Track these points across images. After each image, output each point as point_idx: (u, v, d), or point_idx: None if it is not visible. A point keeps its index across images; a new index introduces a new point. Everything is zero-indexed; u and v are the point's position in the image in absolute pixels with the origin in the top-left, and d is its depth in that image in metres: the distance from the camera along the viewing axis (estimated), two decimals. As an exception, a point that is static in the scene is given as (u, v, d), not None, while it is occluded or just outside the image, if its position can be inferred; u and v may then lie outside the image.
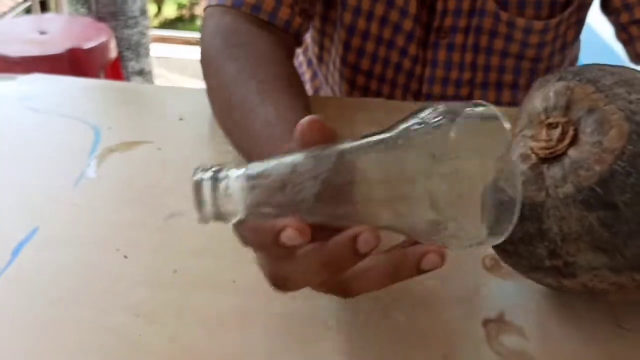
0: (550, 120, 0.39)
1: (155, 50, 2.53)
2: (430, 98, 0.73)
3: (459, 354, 0.39)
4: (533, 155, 0.38)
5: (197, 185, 0.32)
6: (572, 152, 0.37)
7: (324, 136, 0.34)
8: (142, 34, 2.26)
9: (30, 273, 0.44)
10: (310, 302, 0.42)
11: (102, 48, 1.84)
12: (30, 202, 0.51)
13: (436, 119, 0.31)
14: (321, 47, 0.78)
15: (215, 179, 0.32)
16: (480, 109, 0.31)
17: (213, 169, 0.33)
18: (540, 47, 0.71)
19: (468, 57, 0.71)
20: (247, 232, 0.34)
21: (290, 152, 0.33)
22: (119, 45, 2.03)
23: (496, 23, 0.69)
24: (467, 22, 0.69)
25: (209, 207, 0.32)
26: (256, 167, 0.33)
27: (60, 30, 1.88)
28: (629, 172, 0.34)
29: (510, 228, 0.31)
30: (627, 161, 0.34)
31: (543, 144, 0.38)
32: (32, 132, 0.61)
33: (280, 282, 0.34)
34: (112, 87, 0.77)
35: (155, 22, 3.52)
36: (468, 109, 0.31)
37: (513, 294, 0.44)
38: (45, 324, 0.40)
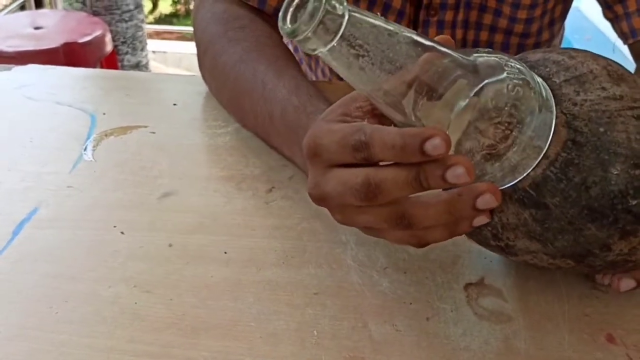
0: (496, 119, 0.38)
1: (151, 45, 2.55)
2: None
3: (441, 315, 0.41)
4: (479, 150, 0.38)
5: (316, 7, 0.32)
6: (511, 154, 0.37)
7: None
8: (138, 27, 2.27)
9: (31, 250, 0.46)
10: (297, 271, 0.44)
11: (98, 42, 1.86)
12: (30, 184, 0.53)
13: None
14: None
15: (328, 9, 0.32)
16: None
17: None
18: (528, 23, 0.72)
19: (459, 33, 0.72)
20: (381, 132, 0.35)
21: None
22: (114, 39, 2.05)
23: None
24: None
25: (312, 27, 0.32)
26: (359, 13, 0.33)
27: (55, 25, 1.89)
28: (560, 178, 0.36)
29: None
30: (560, 168, 0.36)
31: (487, 142, 0.38)
32: (30, 119, 0.63)
33: (373, 193, 0.35)
34: (106, 75, 0.79)
35: (151, 17, 3.53)
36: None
37: (493, 260, 0.45)
38: (45, 297, 0.42)
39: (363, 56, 0.33)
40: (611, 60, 0.40)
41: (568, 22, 0.87)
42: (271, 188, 0.53)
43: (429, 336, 0.40)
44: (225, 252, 0.46)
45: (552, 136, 0.36)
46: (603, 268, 0.39)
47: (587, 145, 0.36)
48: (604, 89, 0.38)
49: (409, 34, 0.34)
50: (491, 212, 0.38)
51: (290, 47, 0.86)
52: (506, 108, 0.35)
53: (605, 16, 0.72)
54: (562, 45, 0.89)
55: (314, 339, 0.39)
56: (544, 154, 0.36)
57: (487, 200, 0.36)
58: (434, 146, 0.33)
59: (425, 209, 0.36)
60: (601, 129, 0.36)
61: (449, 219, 0.37)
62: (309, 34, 0.32)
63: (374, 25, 0.33)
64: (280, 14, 0.34)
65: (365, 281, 0.44)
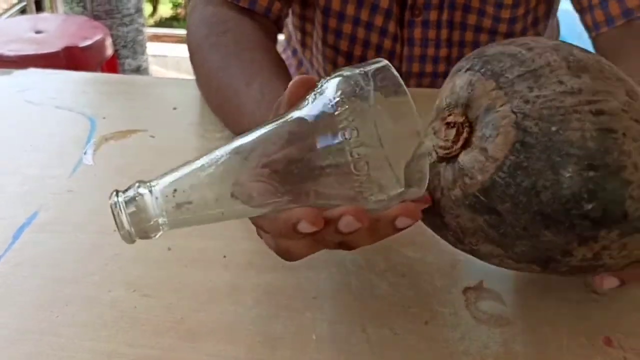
0: (449, 119, 0.38)
1: (151, 48, 2.55)
2: (409, 76, 0.75)
3: (440, 319, 0.41)
4: (433, 153, 0.38)
5: (113, 208, 0.34)
6: (462, 157, 0.37)
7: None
8: (138, 31, 2.27)
9: (31, 254, 0.46)
10: (296, 274, 0.44)
11: (98, 46, 1.86)
12: (30, 189, 0.53)
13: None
14: (303, 32, 0.80)
15: (132, 198, 0.34)
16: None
17: (127, 191, 0.34)
18: (512, 22, 0.73)
19: (444, 33, 0.73)
20: (263, 222, 0.36)
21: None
22: (115, 43, 2.05)
23: None
24: None
25: (128, 228, 0.34)
26: (169, 177, 0.34)
27: (56, 29, 1.89)
28: (509, 183, 0.34)
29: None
30: (508, 172, 0.34)
31: (441, 143, 0.37)
32: (30, 123, 0.63)
33: (287, 255, 0.38)
34: (106, 79, 0.79)
35: (151, 21, 3.54)
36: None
37: (492, 264, 0.46)
38: (46, 301, 0.42)
39: (205, 209, 0.34)
40: (578, 48, 0.38)
41: (562, 21, 0.87)
42: (270, 192, 0.53)
43: (428, 340, 0.40)
44: (225, 256, 0.46)
45: (498, 138, 0.35)
46: (571, 274, 0.38)
47: (537, 146, 0.34)
48: (560, 82, 0.35)
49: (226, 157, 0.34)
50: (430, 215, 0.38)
51: (288, 51, 0.86)
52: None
53: (574, 7, 0.71)
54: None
55: (312, 343, 0.39)
56: (492, 157, 0.35)
57: (404, 222, 0.35)
58: (305, 228, 0.34)
59: (355, 237, 0.36)
60: (553, 128, 0.34)
61: (378, 238, 0.37)
62: (135, 231, 0.34)
63: (186, 179, 0.34)
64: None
65: (364, 285, 0.44)
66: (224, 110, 0.58)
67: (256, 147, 0.34)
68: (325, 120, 0.33)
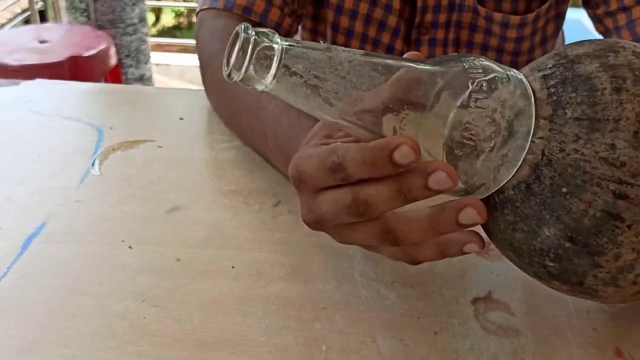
0: (495, 116, 0.37)
1: (154, 57, 2.56)
2: None
3: (449, 330, 0.41)
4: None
5: (246, 42, 0.31)
6: (479, 160, 0.37)
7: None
8: (142, 40, 2.29)
9: (39, 265, 0.46)
10: (305, 285, 0.44)
11: (102, 55, 1.87)
12: (38, 199, 0.53)
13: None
14: None
15: (259, 40, 0.31)
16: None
17: (259, 30, 0.32)
18: (518, 41, 0.73)
19: (450, 51, 0.73)
20: (350, 151, 0.34)
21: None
22: (118, 52, 2.06)
23: (475, 17, 0.71)
24: (447, 17, 0.71)
25: (246, 63, 0.31)
26: (299, 44, 0.32)
27: (60, 38, 1.90)
28: (496, 208, 0.36)
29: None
30: (499, 201, 0.36)
31: (474, 130, 0.37)
32: (38, 134, 0.63)
33: (363, 208, 0.35)
34: (112, 90, 0.79)
35: (154, 30, 3.55)
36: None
37: (500, 274, 0.46)
38: (55, 312, 0.42)
39: (316, 86, 0.32)
40: None
41: (568, 34, 0.87)
42: (277, 202, 0.53)
43: (438, 350, 0.40)
44: (233, 267, 0.46)
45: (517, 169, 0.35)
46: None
47: (538, 196, 0.34)
48: (611, 147, 0.32)
49: (364, 57, 0.33)
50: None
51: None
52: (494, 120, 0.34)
53: (597, 30, 0.72)
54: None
55: (322, 354, 0.39)
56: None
57: (469, 216, 0.35)
58: (402, 155, 0.32)
59: (409, 224, 0.36)
60: (564, 189, 0.33)
61: (434, 234, 0.36)
62: (247, 71, 0.32)
63: (318, 52, 0.32)
64: (224, 59, 0.33)
65: (373, 295, 0.44)
66: (241, 118, 0.58)
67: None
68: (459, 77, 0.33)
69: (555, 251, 0.34)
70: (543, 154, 0.34)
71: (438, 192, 0.33)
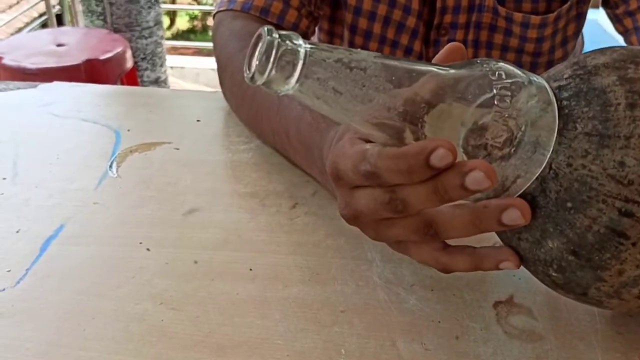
0: (510, 123, 0.36)
1: (169, 60, 2.57)
2: None
3: (471, 334, 0.41)
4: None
5: (270, 45, 0.31)
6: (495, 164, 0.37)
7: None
8: (157, 43, 2.30)
9: (58, 267, 0.46)
10: (323, 288, 0.44)
11: (118, 58, 1.88)
12: (57, 202, 0.53)
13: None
14: None
15: (282, 43, 0.31)
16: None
17: (282, 33, 0.31)
18: (539, 42, 0.72)
19: (469, 52, 0.72)
20: (384, 159, 0.34)
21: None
22: (134, 55, 2.07)
23: (495, 18, 0.70)
24: (467, 18, 0.70)
25: (270, 67, 0.31)
26: (322, 47, 0.32)
27: (77, 42, 1.92)
28: None
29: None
30: None
31: (490, 137, 0.37)
32: (55, 136, 0.63)
33: (401, 206, 0.35)
34: (130, 92, 0.79)
35: (169, 33, 3.57)
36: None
37: (522, 277, 0.45)
38: (73, 314, 0.42)
39: (339, 90, 0.32)
40: None
41: (587, 35, 0.86)
42: (295, 204, 0.53)
43: (459, 355, 0.39)
44: (251, 269, 0.46)
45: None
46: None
47: (543, 210, 0.34)
48: (621, 164, 0.31)
49: (387, 60, 0.33)
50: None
51: None
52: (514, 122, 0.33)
53: (617, 30, 0.71)
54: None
55: (341, 358, 0.39)
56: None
57: (513, 216, 0.34)
58: (439, 158, 0.31)
59: (451, 219, 0.36)
60: (569, 204, 0.33)
61: (474, 231, 0.36)
62: (270, 75, 0.31)
63: (341, 55, 0.32)
64: (245, 61, 0.32)
65: (392, 299, 0.43)
66: (262, 117, 0.58)
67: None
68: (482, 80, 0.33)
69: (558, 263, 0.34)
70: (550, 167, 0.33)
71: (475, 191, 0.32)
